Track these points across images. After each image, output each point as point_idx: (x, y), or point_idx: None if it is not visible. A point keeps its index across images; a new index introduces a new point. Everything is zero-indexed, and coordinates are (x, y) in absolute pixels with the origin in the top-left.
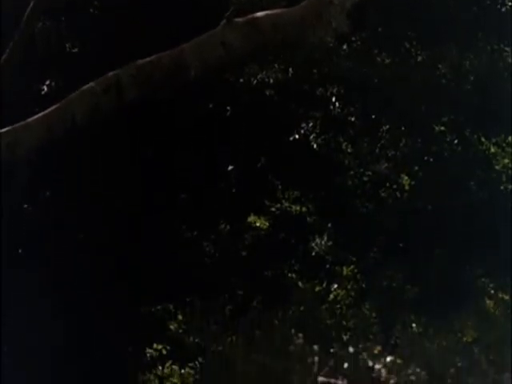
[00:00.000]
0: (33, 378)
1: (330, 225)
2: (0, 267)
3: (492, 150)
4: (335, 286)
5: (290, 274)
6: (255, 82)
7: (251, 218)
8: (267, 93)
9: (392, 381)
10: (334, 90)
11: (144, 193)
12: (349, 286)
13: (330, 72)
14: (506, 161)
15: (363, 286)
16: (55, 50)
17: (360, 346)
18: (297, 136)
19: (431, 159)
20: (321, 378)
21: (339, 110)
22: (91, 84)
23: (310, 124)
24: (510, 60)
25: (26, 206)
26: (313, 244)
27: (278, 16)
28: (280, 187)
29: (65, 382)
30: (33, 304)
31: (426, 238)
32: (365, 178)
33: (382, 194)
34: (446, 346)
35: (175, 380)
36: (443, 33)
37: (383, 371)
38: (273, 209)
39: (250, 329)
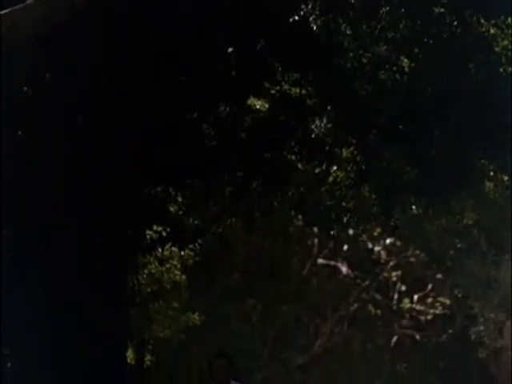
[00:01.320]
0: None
1: (329, 107)
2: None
3: (492, 31)
4: (335, 167)
5: (289, 156)
6: None
7: (251, 101)
8: None
9: (391, 262)
10: None
11: (144, 74)
12: (348, 168)
13: None
14: (506, 42)
15: (363, 167)
16: None
17: (360, 227)
18: (296, 17)
19: (431, 41)
20: (320, 260)
21: None
22: None
23: (310, 5)
24: None
25: (26, 89)
26: (312, 126)
27: None
28: (279, 69)
29: (65, 264)
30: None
31: (426, 120)
32: (364, 60)
33: (382, 76)
34: (445, 227)
35: (175, 262)
36: None
37: (383, 253)
38: (272, 91)
39: (250, 211)
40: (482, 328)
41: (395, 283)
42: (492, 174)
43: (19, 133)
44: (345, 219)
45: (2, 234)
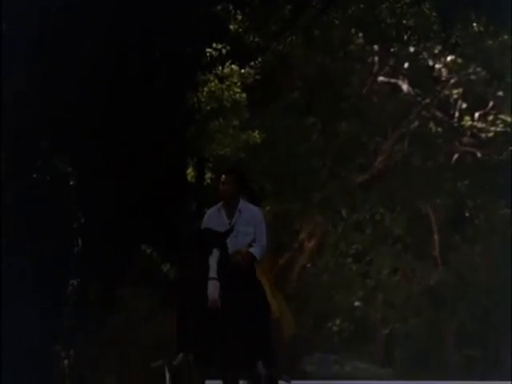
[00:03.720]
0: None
1: None
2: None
3: None
4: None
5: None
6: None
7: None
8: None
9: (452, 80)
10: None
11: None
12: None
13: None
14: None
15: None
16: None
17: (420, 45)
18: None
19: None
20: (381, 78)
21: None
22: None
23: None
24: None
25: None
26: None
27: None
28: None
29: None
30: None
31: None
32: None
33: None
34: (506, 44)
35: (235, 79)
36: None
37: (443, 70)
38: None
39: (310, 28)
40: None
41: (456, 101)
42: None
43: None
44: (405, 37)
45: None
